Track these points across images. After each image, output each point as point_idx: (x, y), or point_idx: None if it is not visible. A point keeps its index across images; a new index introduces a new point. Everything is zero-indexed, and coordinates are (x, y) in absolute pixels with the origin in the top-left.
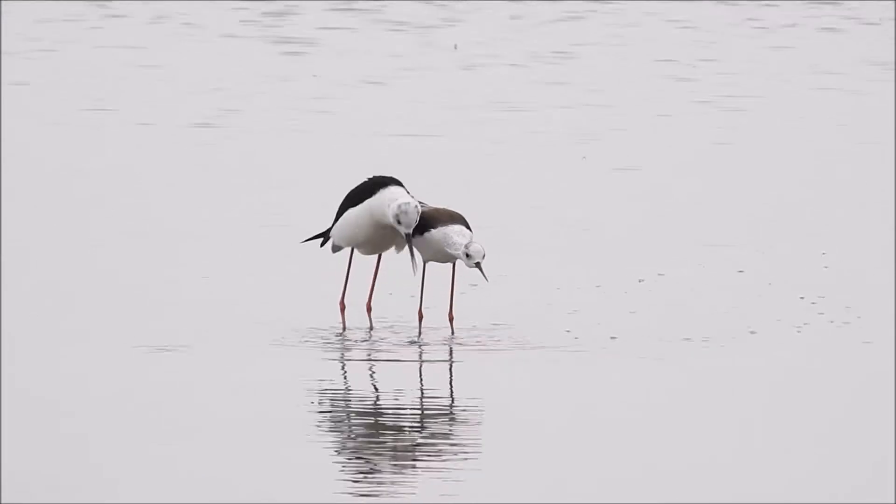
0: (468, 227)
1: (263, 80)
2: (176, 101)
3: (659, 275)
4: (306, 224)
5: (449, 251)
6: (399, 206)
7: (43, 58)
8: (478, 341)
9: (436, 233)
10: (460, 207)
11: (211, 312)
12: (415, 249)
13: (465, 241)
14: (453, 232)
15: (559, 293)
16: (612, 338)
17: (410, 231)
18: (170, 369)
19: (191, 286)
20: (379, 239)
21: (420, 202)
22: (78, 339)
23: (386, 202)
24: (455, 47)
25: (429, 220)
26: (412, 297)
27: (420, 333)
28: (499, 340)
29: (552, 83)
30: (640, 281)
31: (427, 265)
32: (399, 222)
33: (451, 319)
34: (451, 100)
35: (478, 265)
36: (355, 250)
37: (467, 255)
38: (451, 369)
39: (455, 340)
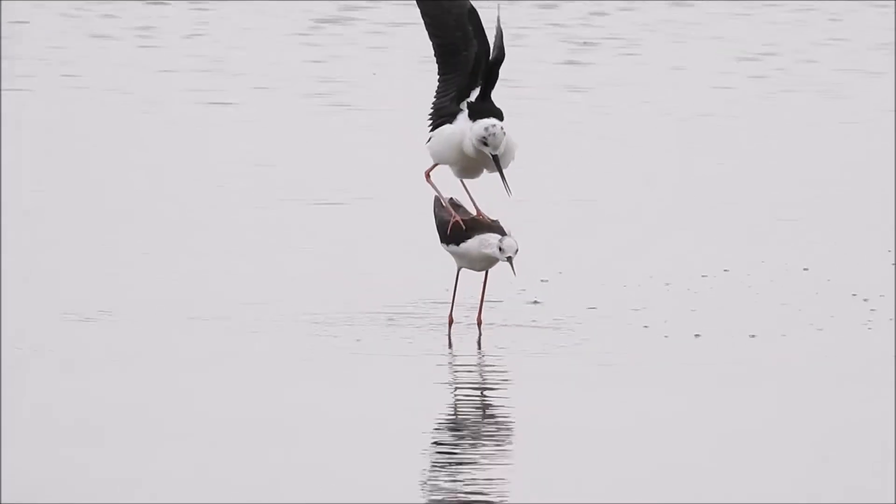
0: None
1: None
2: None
3: (724, 270)
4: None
5: (485, 251)
6: (486, 129)
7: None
8: (555, 339)
9: (471, 241)
10: (514, 200)
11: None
12: (461, 248)
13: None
14: (489, 237)
15: (625, 290)
16: (696, 335)
17: (498, 152)
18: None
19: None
20: (467, 164)
21: (450, 197)
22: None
23: (471, 129)
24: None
25: (466, 231)
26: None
27: (450, 339)
28: (569, 337)
29: (608, 66)
30: (702, 276)
31: (461, 272)
32: (486, 144)
33: (479, 323)
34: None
35: (509, 259)
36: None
37: (500, 249)
38: (479, 370)
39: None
